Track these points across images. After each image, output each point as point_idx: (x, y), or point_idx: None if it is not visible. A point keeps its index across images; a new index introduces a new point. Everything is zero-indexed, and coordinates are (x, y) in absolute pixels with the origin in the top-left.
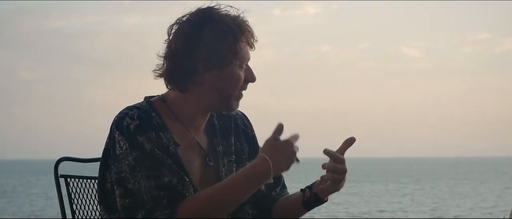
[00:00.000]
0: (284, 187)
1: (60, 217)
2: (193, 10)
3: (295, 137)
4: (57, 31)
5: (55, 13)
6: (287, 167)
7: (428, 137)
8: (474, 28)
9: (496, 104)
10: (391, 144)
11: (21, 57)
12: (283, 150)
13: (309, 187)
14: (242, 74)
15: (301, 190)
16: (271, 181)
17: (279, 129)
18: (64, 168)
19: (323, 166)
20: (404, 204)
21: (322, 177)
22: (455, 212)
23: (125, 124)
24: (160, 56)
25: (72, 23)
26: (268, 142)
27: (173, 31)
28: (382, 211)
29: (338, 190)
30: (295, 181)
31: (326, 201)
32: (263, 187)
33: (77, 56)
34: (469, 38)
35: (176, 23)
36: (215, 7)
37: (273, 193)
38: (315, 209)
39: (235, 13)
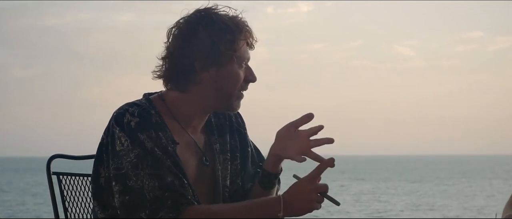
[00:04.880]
0: None
1: (53, 215)
2: (191, 11)
3: (322, 185)
4: (51, 28)
5: (49, 11)
6: (302, 212)
7: (420, 135)
8: (467, 27)
9: (489, 103)
10: (384, 142)
11: (15, 55)
12: (302, 193)
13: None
14: (241, 73)
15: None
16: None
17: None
18: (57, 166)
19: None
20: (399, 204)
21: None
22: (447, 212)
23: (125, 120)
24: (160, 58)
25: (66, 21)
26: (297, 185)
27: (172, 33)
28: (376, 210)
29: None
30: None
31: (280, 171)
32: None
33: (71, 54)
34: (462, 37)
35: (175, 25)
36: (213, 7)
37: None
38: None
39: (234, 13)
